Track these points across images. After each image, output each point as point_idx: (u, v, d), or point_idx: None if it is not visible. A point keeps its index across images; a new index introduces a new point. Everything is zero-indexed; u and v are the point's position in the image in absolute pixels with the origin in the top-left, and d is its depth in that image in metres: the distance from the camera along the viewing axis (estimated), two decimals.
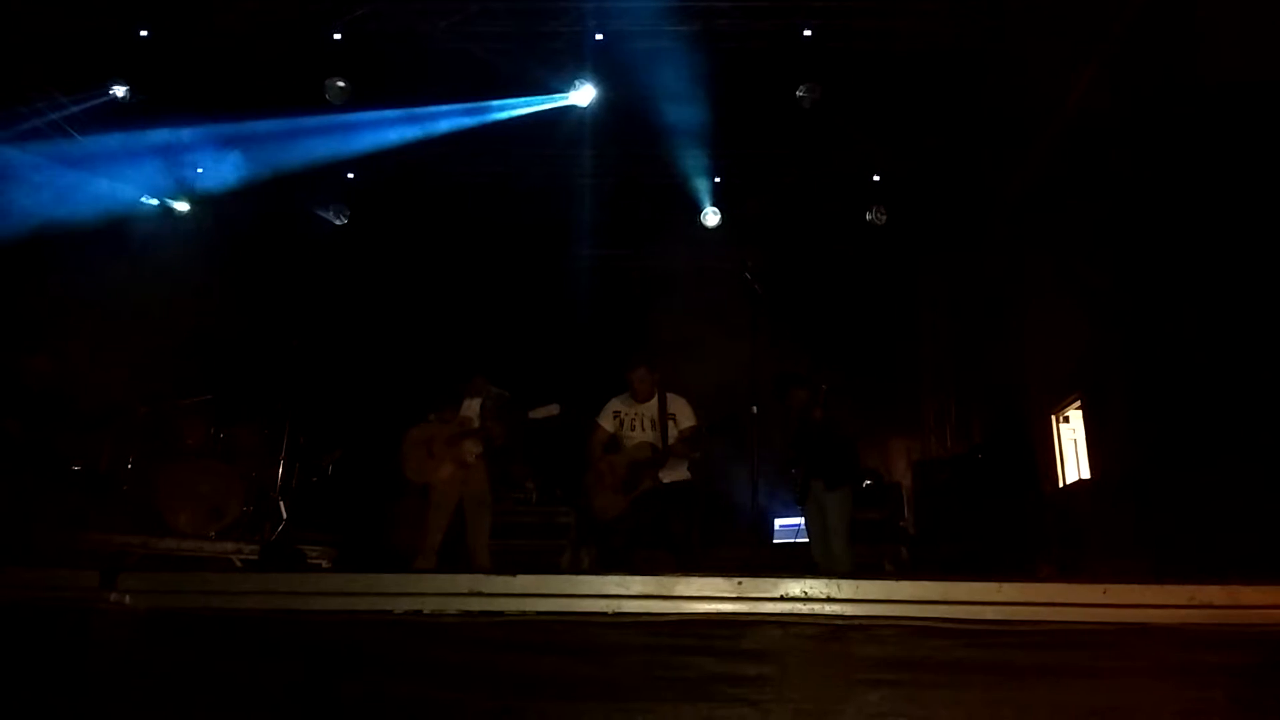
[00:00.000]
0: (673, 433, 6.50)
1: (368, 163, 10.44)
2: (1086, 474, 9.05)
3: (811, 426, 7.11)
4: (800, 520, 7.51)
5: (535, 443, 8.28)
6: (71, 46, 8.93)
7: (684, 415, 6.59)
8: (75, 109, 9.69)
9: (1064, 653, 2.36)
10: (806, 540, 7.37)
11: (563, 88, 9.29)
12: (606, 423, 6.67)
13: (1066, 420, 9.71)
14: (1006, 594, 2.49)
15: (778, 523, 10.57)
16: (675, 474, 6.47)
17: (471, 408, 6.90)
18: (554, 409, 6.73)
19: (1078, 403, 9.36)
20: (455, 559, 6.78)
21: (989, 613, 2.44)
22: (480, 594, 2.55)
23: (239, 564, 7.61)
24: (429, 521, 6.68)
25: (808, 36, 8.52)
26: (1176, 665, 2.34)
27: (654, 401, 6.62)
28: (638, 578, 2.57)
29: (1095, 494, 8.43)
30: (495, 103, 9.58)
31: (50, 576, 2.90)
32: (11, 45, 8.83)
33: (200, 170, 10.80)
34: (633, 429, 6.60)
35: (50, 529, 6.81)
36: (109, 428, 8.53)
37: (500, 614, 2.51)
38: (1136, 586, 2.54)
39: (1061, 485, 9.52)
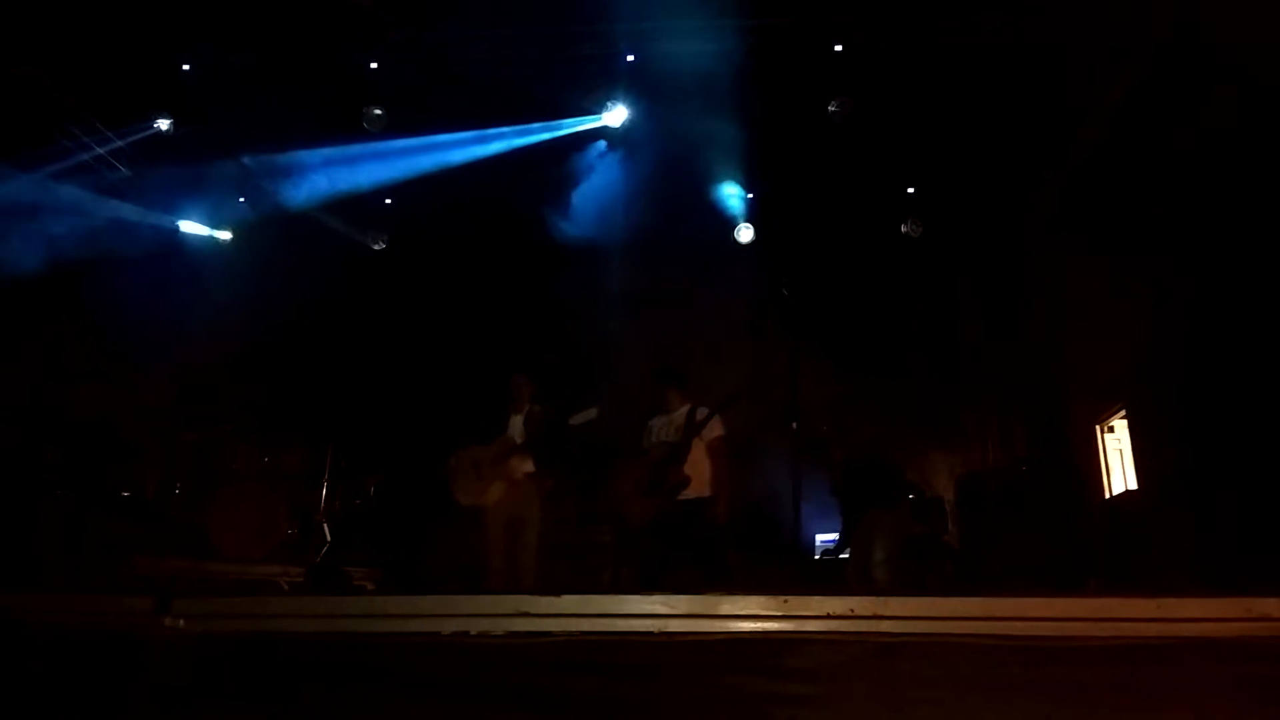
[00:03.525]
0: (698, 445, 6.47)
1: (405, 188, 10.57)
2: (1133, 484, 8.90)
3: (849, 465, 7.13)
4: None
5: (583, 452, 8.28)
6: (115, 81, 9.15)
7: (712, 427, 6.57)
8: (120, 142, 9.93)
9: (1118, 669, 2.32)
10: (846, 556, 7.33)
11: (595, 109, 9.36)
12: (645, 442, 6.70)
13: (1111, 430, 9.56)
14: (1057, 609, 2.45)
15: (818, 538, 10.49)
16: (697, 490, 6.42)
17: (516, 425, 6.91)
18: (593, 412, 6.71)
19: (1122, 412, 9.22)
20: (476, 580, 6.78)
21: (1040, 629, 2.41)
22: (527, 614, 2.56)
23: (285, 587, 7.70)
24: (488, 545, 6.66)
25: (838, 51, 8.53)
26: (1235, 680, 2.30)
27: (684, 410, 6.63)
28: (684, 597, 2.57)
29: (1144, 505, 8.29)
30: (529, 126, 9.67)
31: (106, 602, 2.96)
32: (56, 80, 9.07)
33: (242, 199, 11.01)
34: (658, 437, 6.62)
35: (96, 555, 6.91)
36: (156, 454, 8.68)
37: (547, 634, 2.52)
38: (1192, 600, 2.50)
39: (1108, 496, 9.37)
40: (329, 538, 8.86)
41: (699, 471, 6.42)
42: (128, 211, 10.35)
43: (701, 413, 6.53)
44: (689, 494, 6.38)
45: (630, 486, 6.51)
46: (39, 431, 6.80)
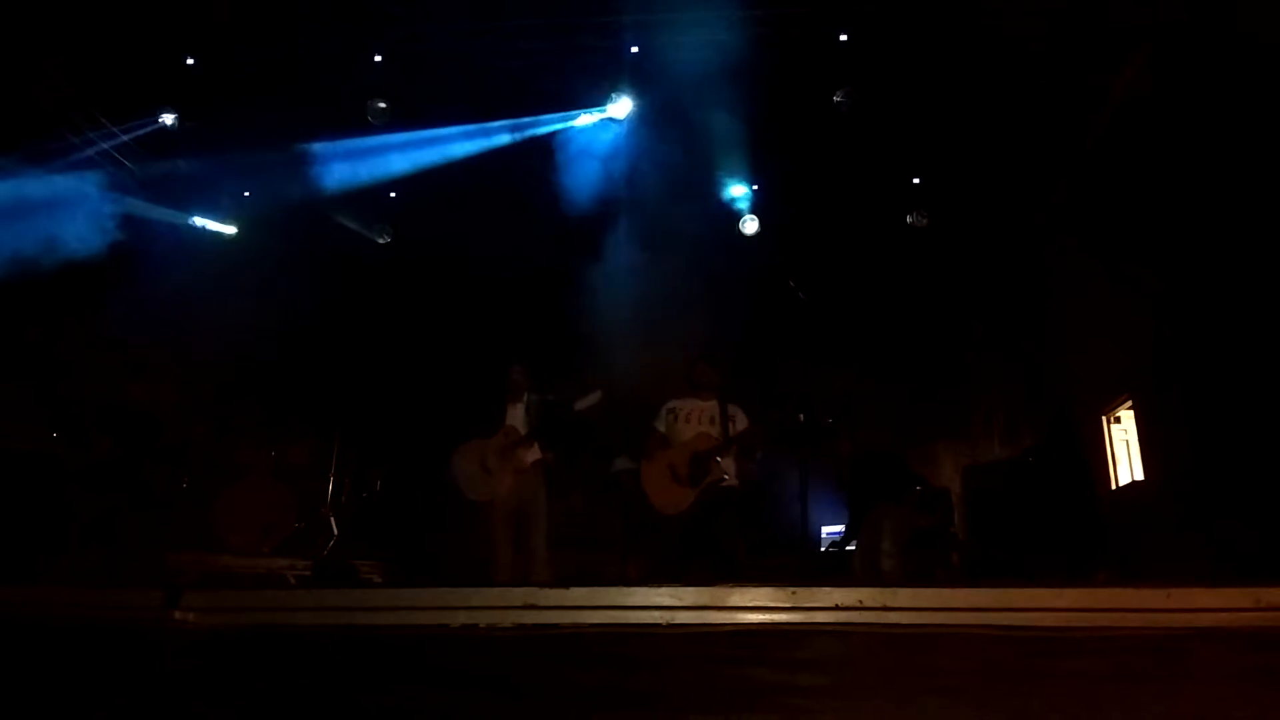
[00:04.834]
0: (731, 433, 6.51)
1: (409, 181, 10.57)
2: (1140, 475, 8.88)
3: (855, 460, 7.12)
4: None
5: (590, 436, 8.28)
6: (120, 77, 9.15)
7: (741, 419, 6.60)
8: (126, 138, 9.94)
9: (1128, 659, 2.31)
10: (853, 548, 7.33)
11: (600, 101, 9.35)
12: (660, 424, 6.68)
13: (1118, 421, 9.53)
14: (1067, 600, 2.44)
15: (824, 530, 10.49)
16: (730, 482, 6.45)
17: (516, 415, 6.88)
18: (596, 396, 6.69)
19: (1129, 403, 9.19)
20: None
21: (1049, 620, 2.40)
22: (535, 607, 2.56)
23: (293, 580, 7.71)
24: (496, 539, 6.64)
25: (844, 41, 8.50)
26: (1244, 670, 2.29)
27: (714, 401, 6.63)
28: (691, 589, 2.56)
29: (1151, 495, 8.27)
30: (534, 118, 9.67)
31: (116, 595, 2.97)
32: (62, 77, 9.08)
33: (246, 194, 11.01)
34: (688, 422, 6.60)
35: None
36: (170, 449, 8.69)
37: (555, 626, 2.51)
38: (1200, 590, 2.48)
39: (1115, 487, 9.35)
40: (335, 531, 8.88)
41: (730, 466, 6.48)
42: (133, 207, 10.36)
43: (734, 410, 6.56)
44: (727, 484, 6.44)
45: (663, 473, 6.48)
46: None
